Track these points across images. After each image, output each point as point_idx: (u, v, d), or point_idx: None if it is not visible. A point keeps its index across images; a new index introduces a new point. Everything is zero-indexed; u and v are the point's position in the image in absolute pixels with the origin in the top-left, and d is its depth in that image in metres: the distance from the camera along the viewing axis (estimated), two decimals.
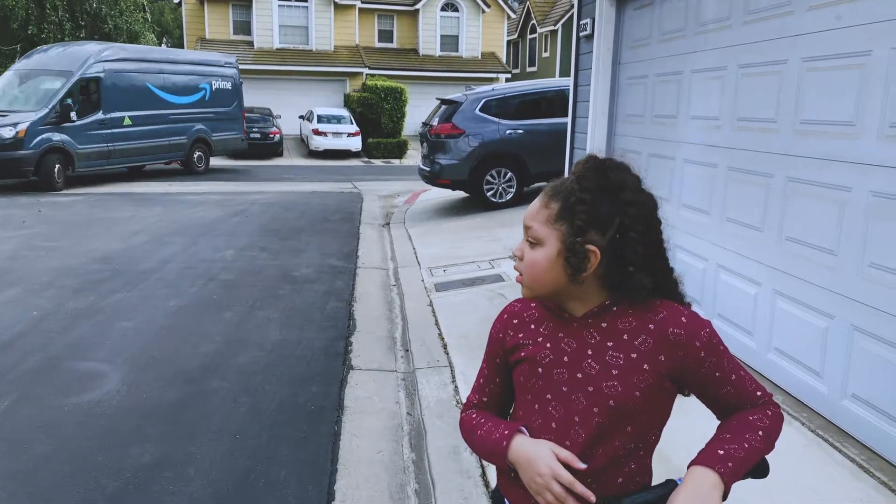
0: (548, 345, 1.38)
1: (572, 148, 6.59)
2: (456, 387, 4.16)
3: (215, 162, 19.09)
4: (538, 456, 1.29)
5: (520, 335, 1.43)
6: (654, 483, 1.37)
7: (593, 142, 6.04)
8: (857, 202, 3.13)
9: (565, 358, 1.35)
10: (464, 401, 4.12)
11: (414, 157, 24.07)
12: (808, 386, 3.45)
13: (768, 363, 3.79)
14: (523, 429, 1.37)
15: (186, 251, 8.05)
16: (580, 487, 1.25)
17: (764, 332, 3.84)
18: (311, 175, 18.11)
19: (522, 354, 1.41)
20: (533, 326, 1.42)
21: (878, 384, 3.01)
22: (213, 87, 17.68)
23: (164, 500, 3.04)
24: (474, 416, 1.50)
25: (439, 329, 5.23)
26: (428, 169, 10.64)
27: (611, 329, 1.34)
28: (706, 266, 4.46)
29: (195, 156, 17.35)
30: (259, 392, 4.20)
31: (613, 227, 1.28)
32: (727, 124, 4.19)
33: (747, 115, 3.99)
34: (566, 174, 1.40)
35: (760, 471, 1.34)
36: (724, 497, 1.24)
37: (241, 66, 19.45)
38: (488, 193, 10.29)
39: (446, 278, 6.71)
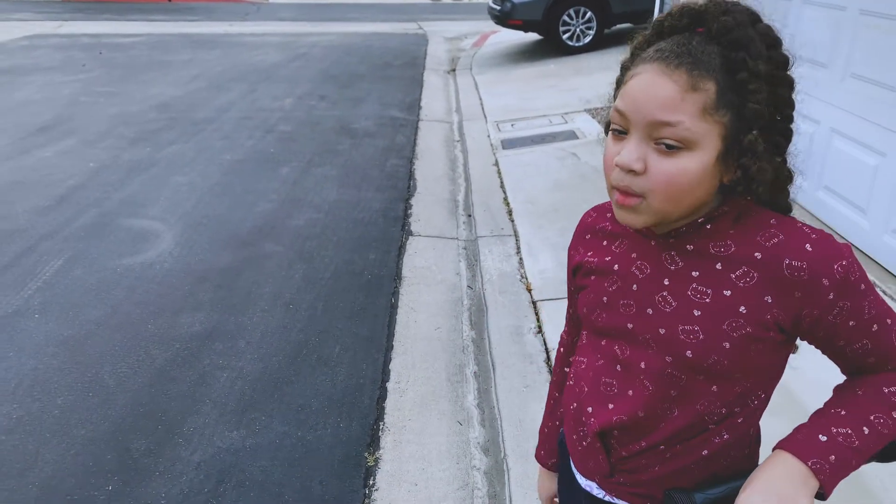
0: (615, 267, 1.01)
1: None
2: (520, 259, 3.84)
3: None
4: (539, 495, 1.37)
5: (588, 253, 1.07)
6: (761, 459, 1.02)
7: None
8: None
9: (634, 286, 0.98)
10: (528, 275, 3.86)
11: None
12: None
13: (883, 247, 3.30)
14: (550, 463, 1.32)
15: (244, 99, 7.73)
16: None
17: (880, 211, 3.32)
18: (375, 14, 17.13)
19: (588, 279, 1.06)
20: (605, 243, 1.05)
21: None
22: None
23: (214, 374, 2.93)
24: (557, 368, 1.30)
25: (504, 193, 4.84)
26: (498, 7, 9.72)
27: (699, 252, 0.93)
28: (816, 130, 3.86)
29: None
30: (314, 258, 4.00)
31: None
32: None
33: None
34: (658, 20, 0.92)
35: (886, 455, 0.94)
36: (824, 497, 0.87)
37: None
38: (564, 36, 9.37)
39: (514, 134, 6.21)
